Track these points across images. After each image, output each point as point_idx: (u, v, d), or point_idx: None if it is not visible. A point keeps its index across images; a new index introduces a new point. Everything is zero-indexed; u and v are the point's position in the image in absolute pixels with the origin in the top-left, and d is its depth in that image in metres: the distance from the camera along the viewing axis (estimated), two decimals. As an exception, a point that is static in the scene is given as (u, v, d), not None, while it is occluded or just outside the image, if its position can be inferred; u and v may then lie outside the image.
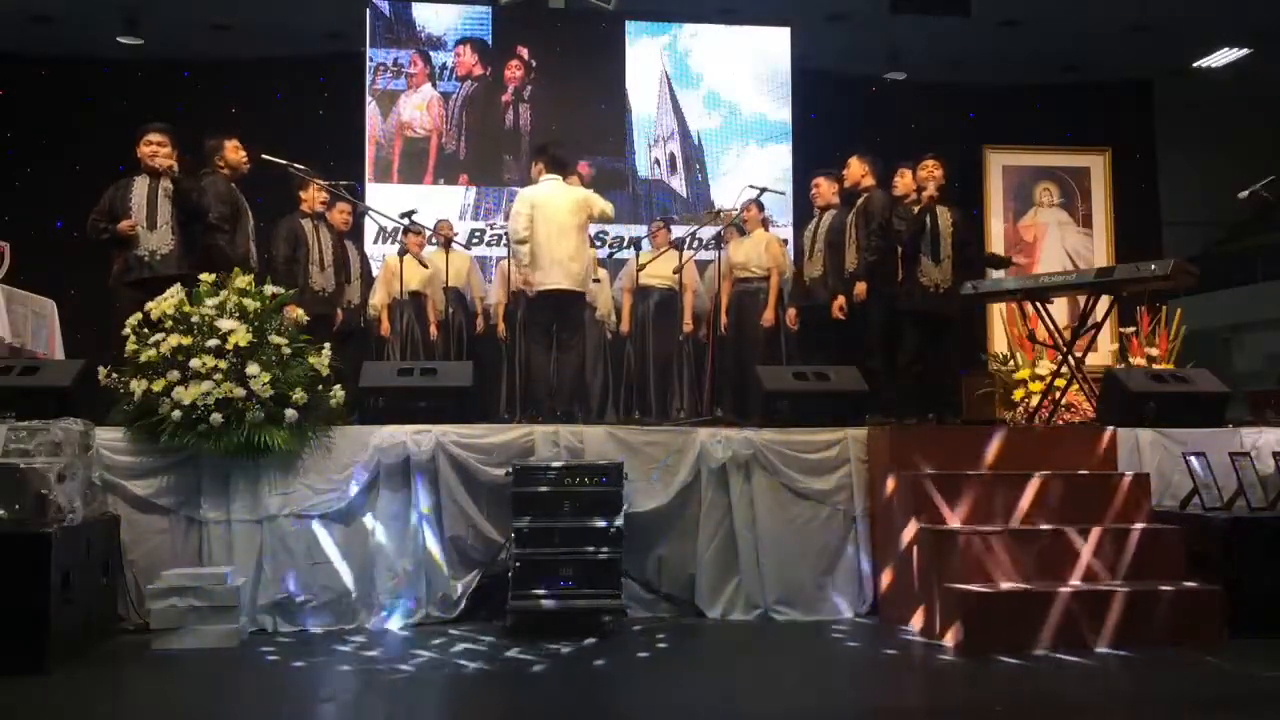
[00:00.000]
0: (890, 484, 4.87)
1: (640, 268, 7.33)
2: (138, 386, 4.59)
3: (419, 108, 9.45)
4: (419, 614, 4.73)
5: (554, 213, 5.93)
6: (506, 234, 7.49)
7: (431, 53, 9.54)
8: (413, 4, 9.57)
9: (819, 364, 5.65)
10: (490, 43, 9.62)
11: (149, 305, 4.78)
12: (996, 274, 7.25)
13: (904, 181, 6.49)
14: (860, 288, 6.18)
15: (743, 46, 9.96)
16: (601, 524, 4.59)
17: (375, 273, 7.80)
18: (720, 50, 9.94)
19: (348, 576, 4.71)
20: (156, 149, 5.54)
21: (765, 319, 7.16)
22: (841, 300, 6.37)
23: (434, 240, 7.70)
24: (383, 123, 9.35)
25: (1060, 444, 5.13)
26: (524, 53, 9.63)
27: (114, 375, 4.74)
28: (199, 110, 9.09)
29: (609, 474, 4.68)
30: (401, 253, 7.18)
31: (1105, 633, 4.25)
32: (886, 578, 4.91)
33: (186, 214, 5.55)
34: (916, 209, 6.19)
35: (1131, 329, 8.07)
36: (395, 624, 4.68)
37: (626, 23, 9.84)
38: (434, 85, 9.51)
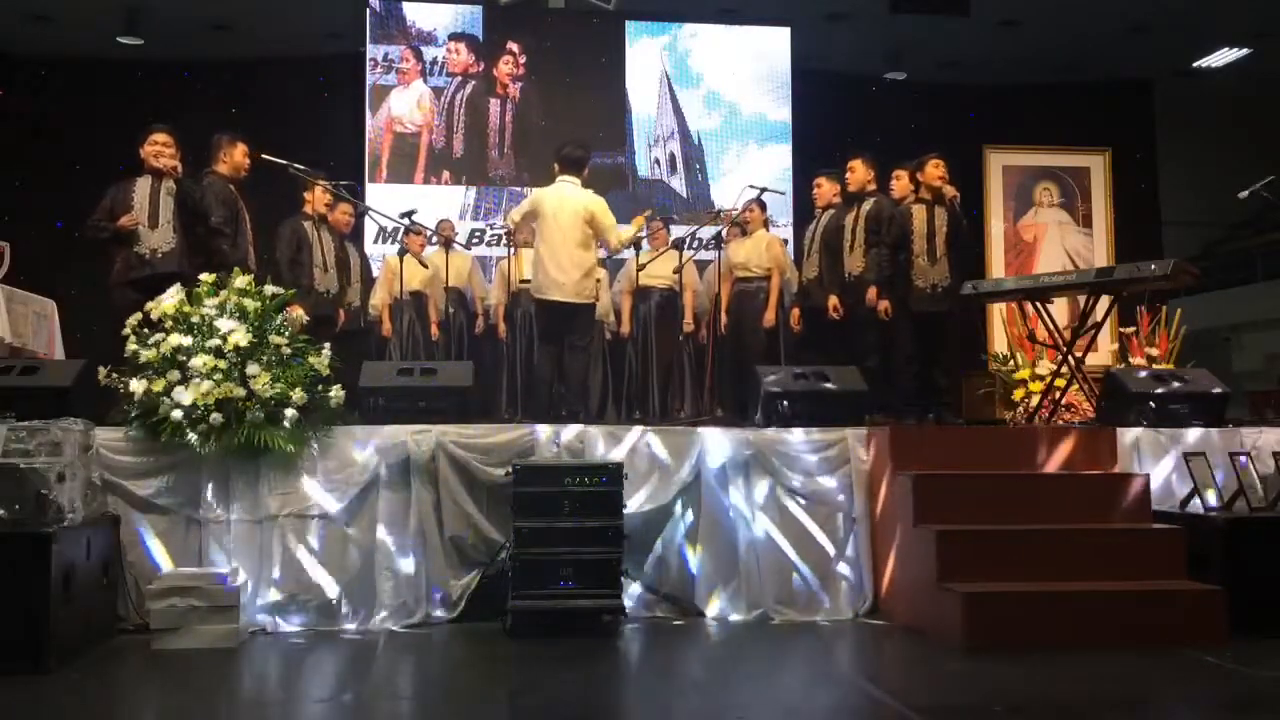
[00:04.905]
0: (890, 484, 4.87)
1: (640, 268, 7.32)
2: (138, 386, 4.59)
3: (418, 108, 9.45)
4: (419, 614, 4.73)
5: (558, 216, 5.80)
6: (507, 232, 7.49)
7: (422, 48, 9.54)
8: (404, 1, 9.57)
9: (819, 364, 5.65)
10: (481, 39, 9.62)
11: (149, 305, 4.78)
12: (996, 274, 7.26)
13: (900, 184, 6.49)
14: (872, 292, 6.18)
15: (743, 46, 9.96)
16: (601, 524, 4.58)
17: (375, 273, 7.81)
18: (720, 50, 9.94)
19: (347, 576, 4.71)
20: (161, 149, 5.54)
21: (765, 319, 7.15)
22: (835, 301, 6.38)
23: (434, 240, 7.71)
24: (372, 119, 9.35)
25: (1060, 444, 5.12)
26: (516, 49, 9.63)
27: (114, 375, 4.74)
28: (199, 110, 9.09)
29: (609, 474, 4.68)
30: (401, 253, 7.17)
31: (1105, 632, 4.25)
32: (886, 578, 4.91)
33: (189, 215, 5.55)
34: (927, 209, 6.18)
35: (1131, 329, 8.07)
36: (395, 624, 4.68)
37: (626, 23, 9.84)
38: (425, 81, 9.51)
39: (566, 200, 5.83)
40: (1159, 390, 5.55)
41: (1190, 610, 4.33)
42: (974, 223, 8.62)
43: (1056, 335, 6.24)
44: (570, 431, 4.97)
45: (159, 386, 4.56)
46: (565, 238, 5.80)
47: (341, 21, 9.68)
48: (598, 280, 6.32)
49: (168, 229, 5.52)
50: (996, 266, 9.54)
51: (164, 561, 4.58)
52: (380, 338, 7.56)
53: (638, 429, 5.07)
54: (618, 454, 4.90)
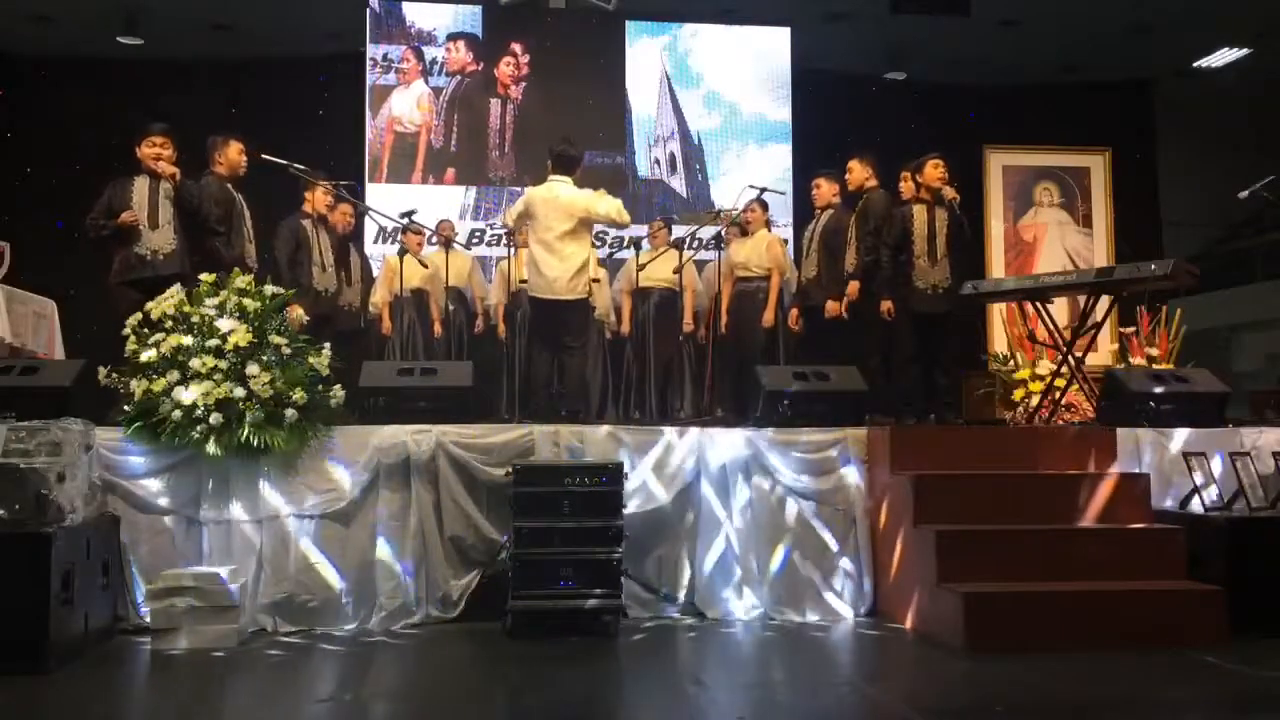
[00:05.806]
0: (890, 484, 4.87)
1: (640, 268, 7.32)
2: (138, 386, 4.59)
3: (418, 108, 9.45)
4: (419, 614, 4.73)
5: (548, 215, 5.80)
6: (508, 233, 7.50)
7: (423, 48, 9.54)
8: (404, 1, 9.57)
9: (819, 364, 5.65)
10: (481, 39, 9.61)
11: (149, 305, 4.79)
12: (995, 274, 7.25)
13: (908, 185, 6.49)
14: (853, 287, 6.20)
15: (743, 46, 9.96)
16: (601, 524, 4.58)
17: (376, 272, 7.81)
18: (720, 50, 9.93)
19: (347, 576, 4.71)
20: (159, 151, 5.55)
21: (765, 319, 7.15)
22: (835, 300, 6.39)
23: (434, 240, 7.71)
24: (373, 119, 9.34)
25: (1060, 444, 5.12)
26: (516, 49, 9.62)
27: (114, 375, 4.74)
28: (199, 110, 9.08)
29: (609, 474, 4.68)
30: (401, 252, 7.18)
31: (1105, 633, 4.24)
32: (886, 578, 4.91)
33: (188, 217, 5.56)
34: (927, 209, 6.18)
35: (1131, 329, 8.06)
36: (395, 624, 4.68)
37: (626, 23, 9.84)
38: (426, 81, 9.51)
39: (556, 199, 5.83)
40: (1159, 390, 5.55)
41: (1190, 610, 4.33)
42: (974, 223, 8.62)
43: (1056, 335, 6.24)
44: (570, 431, 4.96)
45: (159, 386, 4.56)
46: (556, 236, 5.81)
47: (342, 21, 9.67)
48: (596, 281, 6.31)
49: (168, 230, 5.53)
50: (996, 266, 9.52)
51: (164, 561, 4.58)
52: (380, 336, 7.56)
53: (637, 429, 5.06)
54: (617, 453, 4.89)
